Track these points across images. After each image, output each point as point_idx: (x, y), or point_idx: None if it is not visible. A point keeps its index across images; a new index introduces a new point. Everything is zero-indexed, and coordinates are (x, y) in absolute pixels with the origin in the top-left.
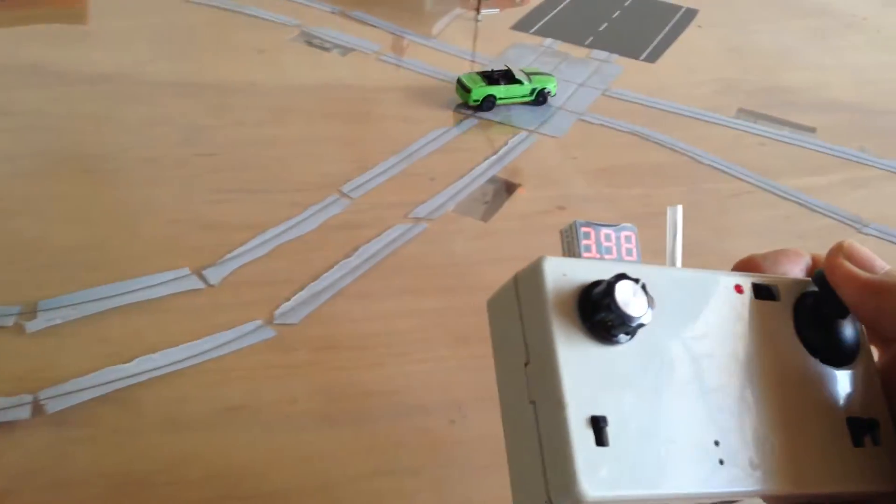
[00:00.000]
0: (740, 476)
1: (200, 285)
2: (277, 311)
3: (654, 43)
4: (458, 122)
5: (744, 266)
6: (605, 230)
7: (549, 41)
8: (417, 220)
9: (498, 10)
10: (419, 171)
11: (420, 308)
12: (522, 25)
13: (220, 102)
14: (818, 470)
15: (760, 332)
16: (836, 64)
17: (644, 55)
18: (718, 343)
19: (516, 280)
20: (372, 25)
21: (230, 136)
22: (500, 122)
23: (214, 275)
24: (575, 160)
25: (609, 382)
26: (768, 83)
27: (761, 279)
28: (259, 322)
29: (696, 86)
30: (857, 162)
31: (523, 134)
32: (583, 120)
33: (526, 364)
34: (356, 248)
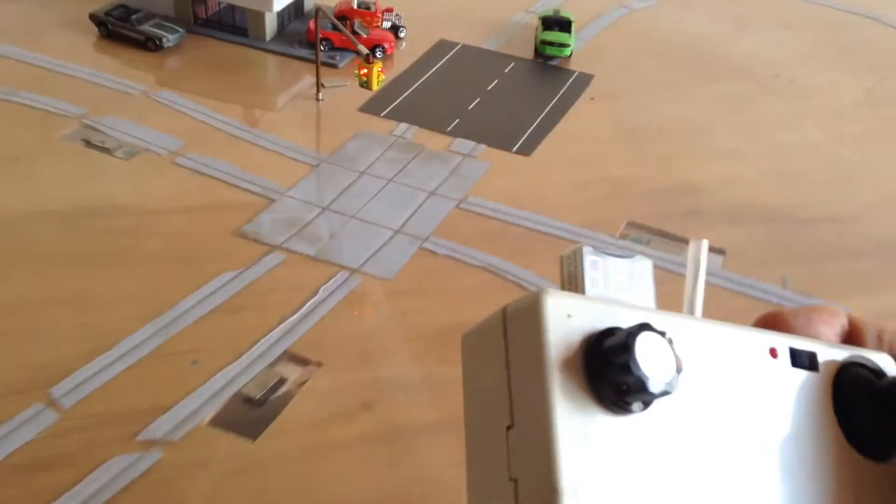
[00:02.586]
0: None
1: None
2: None
3: (533, 127)
4: (258, 259)
5: (770, 322)
6: (616, 261)
7: (402, 127)
8: (149, 444)
9: (346, 83)
10: (178, 349)
11: None
12: (372, 107)
13: None
14: None
15: (796, 411)
16: (752, 145)
17: (518, 145)
18: (749, 422)
19: (505, 315)
20: (182, 111)
21: None
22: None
23: None
24: (404, 317)
25: (620, 464)
26: (668, 180)
27: (798, 343)
28: None
29: (577, 188)
30: (778, 304)
31: (341, 276)
32: (425, 249)
33: (508, 427)
34: None
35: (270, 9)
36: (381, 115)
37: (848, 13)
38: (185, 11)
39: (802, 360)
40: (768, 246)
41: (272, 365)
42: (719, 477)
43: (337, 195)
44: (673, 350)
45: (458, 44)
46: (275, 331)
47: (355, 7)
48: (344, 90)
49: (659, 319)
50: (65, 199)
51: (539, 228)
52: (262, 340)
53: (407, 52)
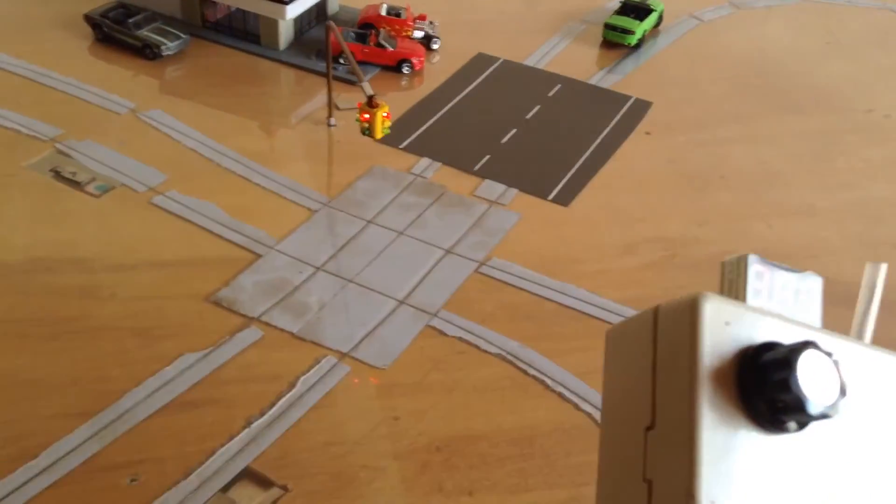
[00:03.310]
0: None
1: None
2: None
3: (576, 168)
4: (230, 337)
5: None
6: (783, 274)
7: (423, 163)
8: None
9: (372, 92)
10: (117, 460)
11: None
12: (392, 136)
13: None
14: None
15: None
16: (837, 199)
17: (555, 192)
18: None
19: (657, 315)
20: (171, 135)
21: None
22: None
23: None
24: (396, 423)
25: (761, 482)
26: (733, 243)
27: None
28: None
29: (622, 250)
30: None
31: (327, 362)
32: (433, 327)
33: (648, 428)
34: None
35: (283, 16)
36: (401, 146)
37: None
38: (193, 13)
39: None
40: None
41: (227, 487)
42: None
43: (336, 251)
44: (839, 372)
45: (498, 59)
46: (237, 438)
47: (383, 14)
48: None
49: (825, 339)
50: (17, 246)
51: (572, 305)
52: (220, 451)
53: (439, 68)
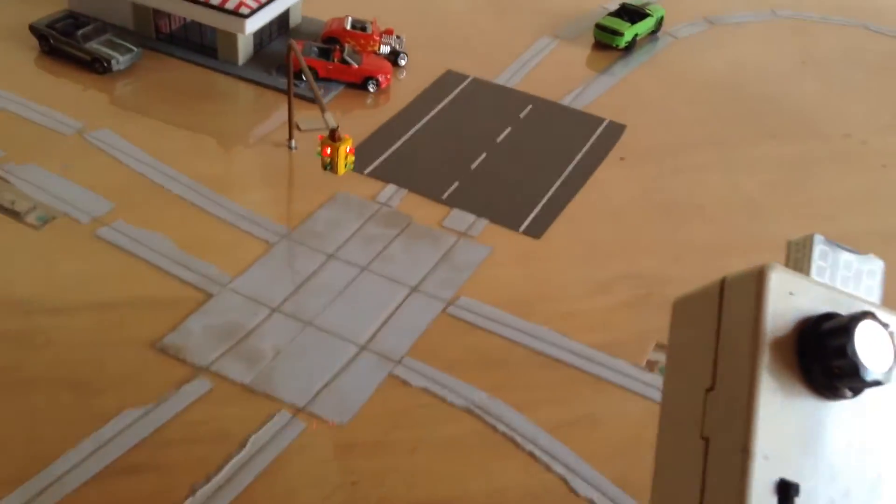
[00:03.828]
0: None
1: None
2: None
3: (548, 196)
4: (176, 390)
5: None
6: (846, 255)
7: (389, 190)
8: None
9: (335, 125)
10: None
11: None
12: (356, 161)
13: None
14: None
15: None
16: (816, 231)
17: (527, 222)
18: None
19: (724, 285)
20: (121, 158)
21: None
22: None
23: None
24: (354, 489)
25: (815, 445)
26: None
27: None
28: None
29: (596, 289)
30: None
31: (280, 418)
32: (396, 377)
33: (708, 390)
34: None
35: (243, 30)
36: (366, 171)
37: None
38: (146, 25)
39: None
40: None
41: None
42: None
43: (294, 289)
44: (894, 343)
45: (468, 77)
46: None
47: (348, 28)
48: (326, 133)
49: (882, 313)
50: None
51: (543, 350)
52: None
53: (406, 85)
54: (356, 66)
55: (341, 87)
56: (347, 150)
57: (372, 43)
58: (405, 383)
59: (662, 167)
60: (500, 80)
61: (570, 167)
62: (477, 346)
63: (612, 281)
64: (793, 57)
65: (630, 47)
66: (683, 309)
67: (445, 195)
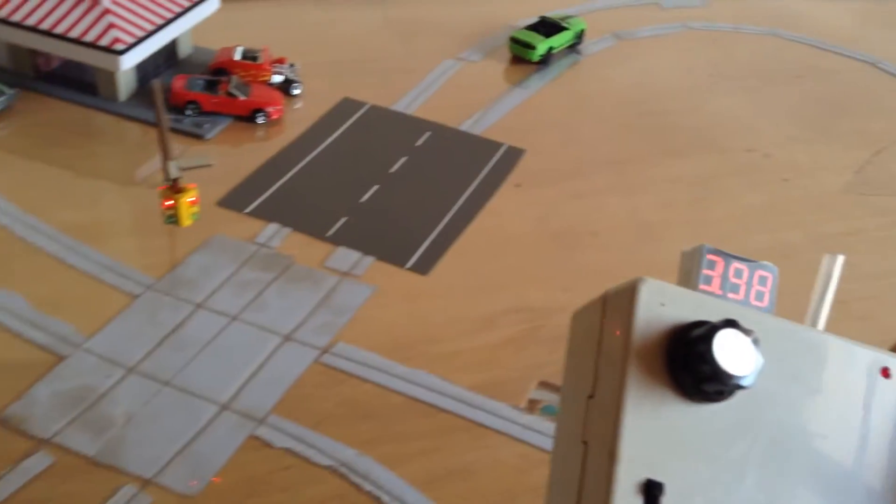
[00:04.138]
0: None
1: None
2: None
3: (439, 229)
4: (11, 468)
5: None
6: (737, 263)
7: (270, 230)
8: None
9: (211, 162)
10: None
11: None
12: (237, 198)
13: None
14: None
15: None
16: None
17: (414, 258)
18: (842, 433)
19: (605, 299)
20: None
21: None
22: None
23: None
24: None
25: (681, 446)
26: None
27: None
28: None
29: (481, 325)
30: None
31: (125, 493)
32: (258, 437)
33: (590, 397)
34: None
35: (117, 67)
36: (246, 210)
37: (847, 58)
38: (23, 63)
39: None
40: None
41: None
42: (795, 474)
43: (155, 345)
44: (755, 349)
45: (365, 104)
46: None
47: (238, 59)
48: (207, 172)
49: (755, 319)
50: None
51: (420, 396)
52: None
53: (300, 115)
54: (243, 98)
55: (229, 121)
56: (191, 199)
57: (263, 73)
58: (267, 444)
59: (559, 193)
60: (400, 106)
61: (464, 197)
62: (350, 397)
63: (499, 316)
64: (701, 70)
65: (545, 61)
66: (577, 321)
67: (331, 232)
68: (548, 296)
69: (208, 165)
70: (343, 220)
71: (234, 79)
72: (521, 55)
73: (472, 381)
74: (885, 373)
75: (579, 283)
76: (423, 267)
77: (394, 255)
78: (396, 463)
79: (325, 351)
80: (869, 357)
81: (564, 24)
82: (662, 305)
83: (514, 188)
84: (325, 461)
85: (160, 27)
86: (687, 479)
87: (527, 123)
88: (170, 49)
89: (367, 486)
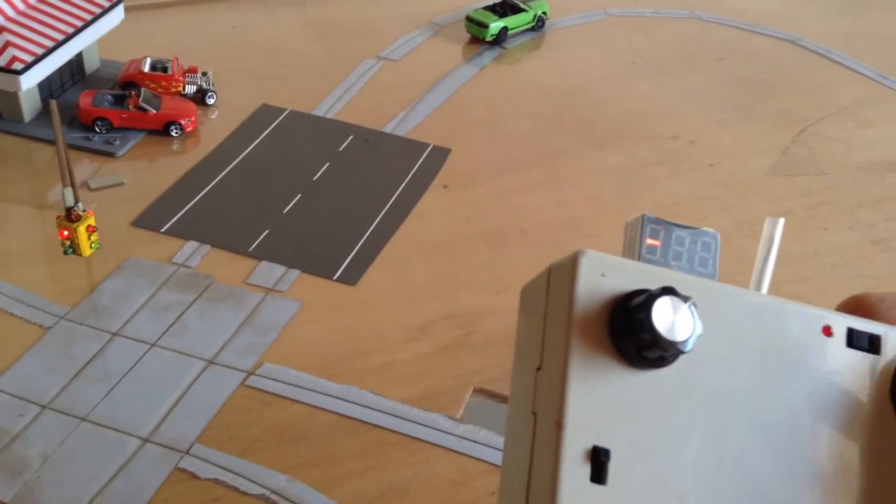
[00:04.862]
0: None
1: None
2: None
3: (365, 236)
4: None
5: (852, 306)
6: (679, 231)
7: (188, 248)
8: None
9: (123, 180)
10: None
11: None
12: (153, 217)
13: None
14: None
15: (844, 390)
16: None
17: (342, 268)
18: (787, 394)
19: (549, 272)
20: None
21: None
22: None
23: None
24: None
25: (627, 413)
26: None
27: (863, 325)
28: None
29: (413, 334)
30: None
31: None
32: (182, 470)
33: (538, 369)
34: None
35: (17, 87)
36: (163, 230)
37: (769, 37)
38: None
39: (861, 341)
40: None
41: None
42: (739, 435)
43: (70, 379)
44: (694, 314)
45: (284, 110)
46: None
47: (147, 70)
48: (120, 191)
49: (695, 286)
50: None
51: (351, 413)
52: None
53: (217, 125)
54: (154, 111)
55: (142, 135)
56: (88, 226)
57: (175, 83)
58: (194, 476)
59: (487, 192)
60: (320, 110)
61: (391, 201)
62: (278, 420)
63: (430, 324)
64: (624, 58)
65: (499, 41)
66: (525, 295)
67: (253, 247)
68: (479, 299)
69: (120, 184)
70: (265, 233)
71: (145, 91)
72: (475, 34)
73: (406, 394)
74: (827, 331)
75: (510, 284)
76: (350, 278)
77: (320, 266)
78: (329, 486)
79: (250, 373)
80: (811, 316)
81: (524, 6)
82: (603, 276)
83: (442, 189)
84: (255, 490)
85: (62, 42)
86: (633, 444)
87: (452, 121)
88: (76, 64)
89: None
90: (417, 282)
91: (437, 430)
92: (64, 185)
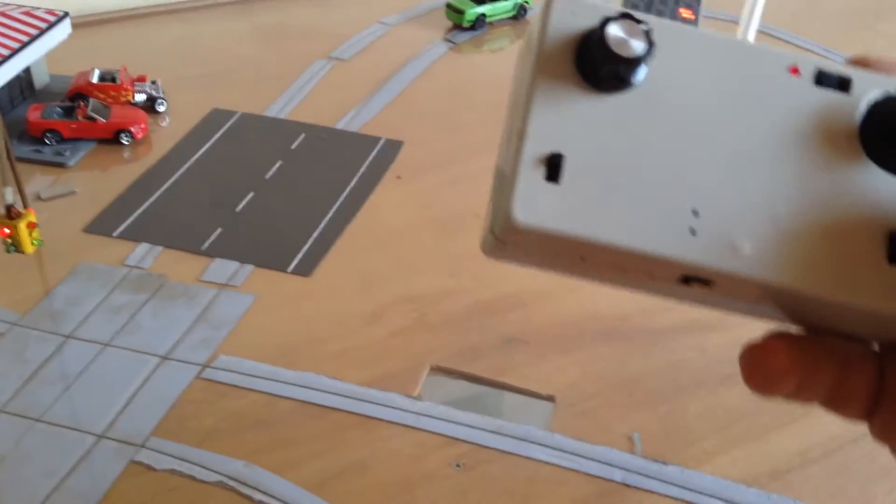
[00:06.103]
0: (714, 251)
1: None
2: None
3: (320, 229)
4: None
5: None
6: None
7: (140, 250)
8: None
9: (74, 189)
10: None
11: None
12: (104, 222)
13: None
14: (831, 274)
15: (806, 121)
16: None
17: (296, 261)
18: (742, 116)
19: (542, 11)
20: None
21: None
22: None
23: None
24: None
25: (585, 128)
26: (486, 291)
27: (835, 68)
28: None
29: (369, 320)
30: (624, 474)
31: None
32: (139, 462)
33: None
34: None
35: None
36: (115, 234)
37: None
38: None
39: (830, 80)
40: (612, 384)
41: None
42: (689, 144)
43: (23, 383)
44: (648, 35)
45: (235, 113)
46: None
47: (95, 81)
48: (72, 199)
49: (665, 24)
50: None
51: (310, 398)
52: None
53: (168, 132)
54: (103, 120)
55: (92, 145)
56: (28, 223)
57: (124, 93)
58: (150, 468)
59: (440, 180)
60: (272, 111)
61: (344, 194)
62: (235, 410)
63: (386, 309)
64: None
65: (476, 27)
66: (524, 38)
67: (205, 245)
68: (434, 282)
69: (72, 193)
70: (218, 231)
71: (93, 101)
72: (455, 21)
73: (363, 376)
74: (795, 70)
75: (465, 266)
76: (305, 269)
77: (274, 260)
78: (287, 469)
79: (206, 366)
80: (779, 56)
81: None
82: (574, 15)
83: (395, 180)
84: (212, 477)
85: (7, 58)
86: (587, 153)
87: (403, 116)
88: (25, 80)
89: (258, 496)
90: (373, 269)
91: (394, 408)
92: (4, 185)
